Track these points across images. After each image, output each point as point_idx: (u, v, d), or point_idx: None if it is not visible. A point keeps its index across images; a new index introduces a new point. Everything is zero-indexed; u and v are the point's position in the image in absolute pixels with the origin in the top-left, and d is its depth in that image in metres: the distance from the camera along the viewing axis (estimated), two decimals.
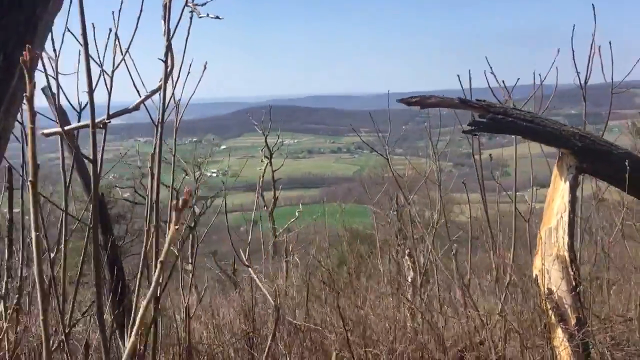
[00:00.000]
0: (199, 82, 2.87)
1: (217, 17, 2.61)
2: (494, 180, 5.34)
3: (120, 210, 17.53)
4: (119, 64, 2.55)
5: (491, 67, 4.74)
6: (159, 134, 2.57)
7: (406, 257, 7.39)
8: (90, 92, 2.43)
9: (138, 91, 2.66)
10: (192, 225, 17.94)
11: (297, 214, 16.52)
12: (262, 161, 17.98)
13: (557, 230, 3.83)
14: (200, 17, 2.59)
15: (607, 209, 6.15)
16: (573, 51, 4.55)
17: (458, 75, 4.64)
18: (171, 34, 2.50)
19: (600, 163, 3.94)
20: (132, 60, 2.57)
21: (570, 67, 4.79)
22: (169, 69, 2.56)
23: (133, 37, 2.53)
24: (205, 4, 2.62)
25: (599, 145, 3.95)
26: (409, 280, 6.80)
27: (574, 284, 3.65)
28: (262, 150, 18.19)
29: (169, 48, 2.53)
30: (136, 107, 2.73)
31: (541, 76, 4.81)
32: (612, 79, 4.72)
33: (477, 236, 5.30)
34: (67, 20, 2.44)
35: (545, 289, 3.74)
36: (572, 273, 3.64)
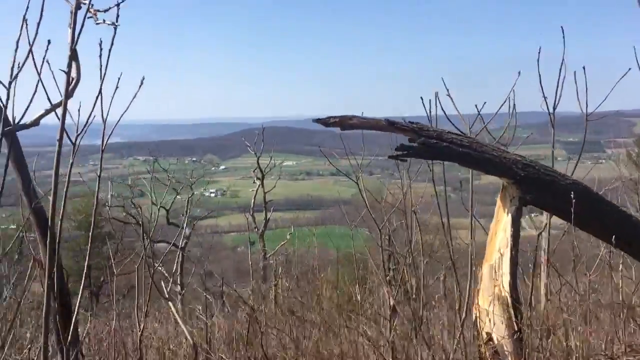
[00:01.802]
0: (132, 99, 2.73)
1: (114, 24, 2.48)
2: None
3: (111, 229, 17.34)
4: (16, 75, 2.40)
5: (447, 90, 4.40)
6: (56, 155, 2.38)
7: (386, 287, 7.19)
8: None
9: (51, 103, 2.51)
10: (183, 245, 17.77)
11: (287, 237, 16.38)
12: (254, 182, 17.88)
13: (498, 268, 3.51)
14: (97, 24, 2.47)
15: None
16: (540, 76, 4.36)
17: (421, 98, 4.35)
18: (75, 41, 2.35)
19: (546, 194, 3.64)
20: (38, 72, 2.39)
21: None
22: (73, 82, 2.40)
23: (33, 44, 2.37)
24: (108, 10, 2.50)
25: (543, 174, 3.66)
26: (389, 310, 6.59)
27: (515, 328, 3.33)
28: (254, 171, 18.08)
29: (72, 57, 2.37)
30: (35, 122, 2.61)
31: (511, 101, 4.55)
32: (586, 106, 4.55)
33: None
34: None
35: (484, 334, 3.45)
36: (513, 316, 3.33)
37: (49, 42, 2.86)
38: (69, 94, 2.39)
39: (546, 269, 4.75)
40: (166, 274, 16.20)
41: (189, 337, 2.85)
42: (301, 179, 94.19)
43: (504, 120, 4.77)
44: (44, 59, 2.58)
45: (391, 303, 6.68)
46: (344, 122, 3.52)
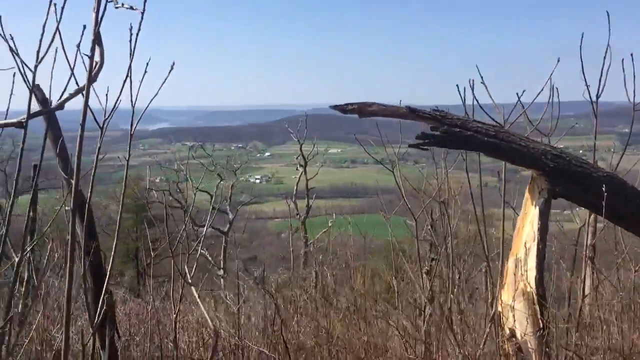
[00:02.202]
0: (161, 85, 2.72)
1: (131, 8, 2.46)
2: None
3: (157, 213, 17.75)
4: (42, 58, 2.42)
5: (482, 77, 4.21)
6: (79, 138, 2.38)
7: (424, 276, 7.09)
8: None
9: (79, 86, 2.52)
10: (226, 230, 18.03)
11: (329, 224, 16.42)
12: (297, 169, 18.01)
13: (524, 262, 3.34)
14: (116, 8, 2.45)
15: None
16: (582, 63, 4.15)
17: (457, 85, 4.19)
18: (98, 24, 2.34)
19: (576, 186, 3.44)
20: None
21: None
22: (97, 66, 2.41)
23: (59, 21, 2.37)
24: None
25: (575, 166, 3.46)
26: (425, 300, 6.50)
27: (540, 324, 3.18)
28: (297, 158, 18.19)
29: (95, 41, 2.37)
30: (60, 106, 2.63)
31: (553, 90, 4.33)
32: (634, 95, 4.28)
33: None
34: None
35: (507, 329, 3.32)
36: (539, 313, 3.18)
37: (84, 27, 2.90)
38: (92, 78, 2.41)
39: (588, 264, 4.56)
40: (209, 258, 16.54)
41: (209, 322, 2.88)
42: (346, 166, 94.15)
43: (547, 110, 4.56)
44: (78, 46, 2.62)
45: (426, 295, 6.60)
46: (363, 109, 3.39)
